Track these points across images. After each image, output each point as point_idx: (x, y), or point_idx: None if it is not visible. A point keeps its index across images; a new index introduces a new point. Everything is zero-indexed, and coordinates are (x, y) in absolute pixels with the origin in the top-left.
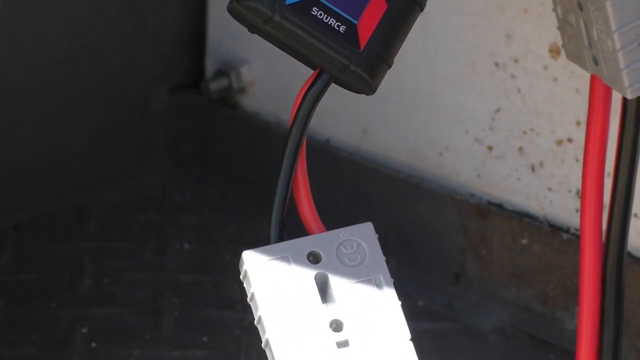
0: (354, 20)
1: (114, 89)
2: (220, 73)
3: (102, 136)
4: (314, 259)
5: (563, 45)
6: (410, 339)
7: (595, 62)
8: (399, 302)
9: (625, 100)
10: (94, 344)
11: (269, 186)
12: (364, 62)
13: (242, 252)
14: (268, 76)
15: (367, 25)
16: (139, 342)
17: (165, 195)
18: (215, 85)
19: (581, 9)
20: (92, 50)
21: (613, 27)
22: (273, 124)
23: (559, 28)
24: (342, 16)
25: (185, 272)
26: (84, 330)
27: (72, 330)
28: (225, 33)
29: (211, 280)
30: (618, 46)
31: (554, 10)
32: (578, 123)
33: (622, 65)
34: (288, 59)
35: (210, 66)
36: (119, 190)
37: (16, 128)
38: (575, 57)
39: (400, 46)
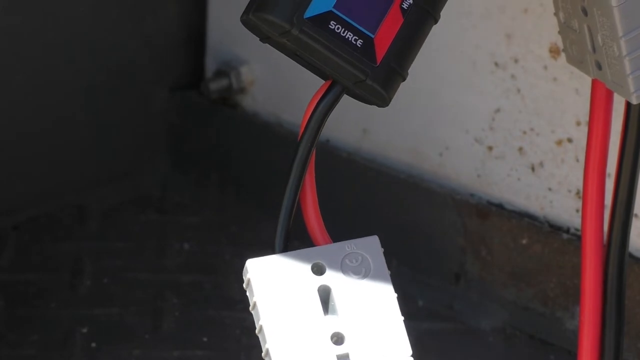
0: (370, 35)
1: (114, 89)
2: (220, 73)
3: (102, 136)
4: (318, 270)
5: (564, 50)
6: (411, 355)
7: (599, 67)
8: (402, 317)
9: (628, 105)
10: (94, 344)
11: (268, 186)
12: (380, 77)
13: (242, 252)
14: (268, 76)
15: (384, 39)
16: (139, 342)
17: (165, 195)
18: (215, 85)
19: (586, 14)
20: (92, 50)
21: (620, 33)
22: (273, 124)
23: (560, 32)
24: (360, 30)
25: (185, 272)
26: (84, 330)
27: (72, 330)
28: (225, 33)
29: (211, 280)
30: (624, 52)
31: (556, 14)
32: (578, 123)
33: (628, 71)
34: (288, 59)
35: (210, 66)
36: (119, 190)
37: (16, 128)
38: (577, 62)
39: (414, 58)
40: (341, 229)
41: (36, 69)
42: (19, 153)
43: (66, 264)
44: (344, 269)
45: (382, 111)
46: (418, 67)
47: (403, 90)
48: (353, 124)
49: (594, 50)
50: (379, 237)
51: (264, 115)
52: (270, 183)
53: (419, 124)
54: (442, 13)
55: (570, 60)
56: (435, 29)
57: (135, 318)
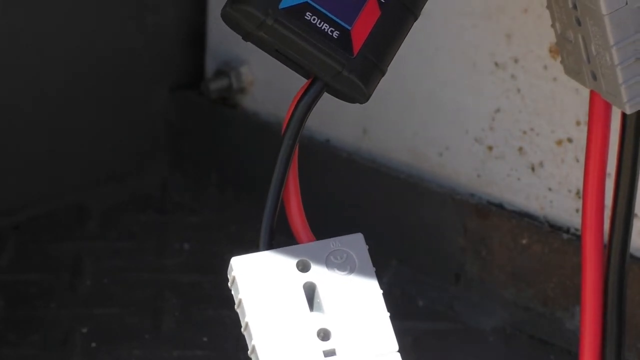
0: (347, 26)
1: (114, 89)
2: (220, 73)
3: (102, 136)
4: (303, 267)
5: (562, 61)
6: (398, 351)
7: (594, 77)
8: (388, 313)
9: (624, 115)
10: (94, 344)
11: (268, 186)
12: (357, 68)
13: (242, 252)
14: (268, 76)
15: (361, 31)
16: (139, 342)
17: (165, 195)
18: (215, 85)
19: (579, 24)
20: (92, 50)
21: (611, 42)
22: (273, 124)
23: (557, 44)
24: (336, 22)
25: (185, 272)
26: (84, 330)
27: (72, 330)
28: (225, 33)
29: (211, 280)
30: (616, 61)
31: (553, 26)
32: (578, 123)
33: (620, 80)
34: None
35: (210, 66)
36: (119, 190)
37: (16, 128)
38: (574, 73)
39: (393, 54)
40: (340, 228)
41: (35, 68)
42: (19, 153)
43: (66, 264)
44: (329, 266)
45: (382, 111)
46: (418, 67)
47: (403, 90)
48: (353, 124)
49: (588, 60)
50: (379, 236)
51: (264, 115)
52: (270, 183)
53: (418, 124)
54: (441, 13)
55: (568, 71)
56: (435, 29)
57: (135, 318)
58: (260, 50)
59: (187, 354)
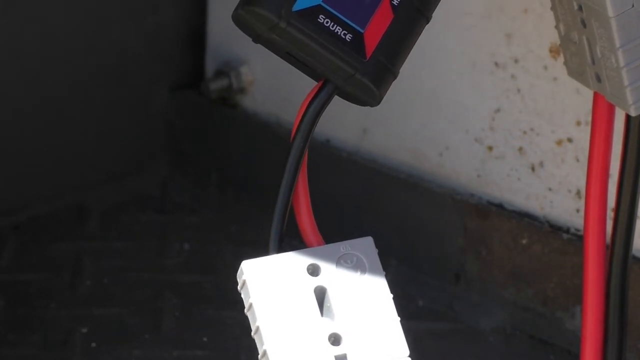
0: (360, 29)
1: (114, 89)
2: (220, 73)
3: (102, 136)
4: (313, 271)
5: (565, 63)
6: (409, 356)
7: (598, 79)
8: (398, 318)
9: (628, 117)
10: (94, 344)
11: (268, 186)
12: (370, 72)
13: (242, 252)
14: (268, 76)
15: (374, 34)
16: (139, 342)
17: (165, 195)
18: (215, 85)
19: (585, 26)
20: (92, 50)
21: (617, 44)
22: (273, 124)
23: (561, 45)
24: (349, 24)
25: (185, 272)
26: (84, 330)
27: (72, 330)
28: (225, 33)
29: (211, 280)
30: (622, 63)
31: (556, 27)
32: (578, 123)
33: (625, 82)
34: None
35: (210, 66)
36: (119, 190)
37: (16, 128)
38: (578, 74)
39: (406, 57)
40: (341, 228)
41: (36, 69)
42: (19, 153)
43: (66, 264)
44: (339, 269)
45: (382, 111)
46: (418, 67)
47: (403, 90)
48: (353, 124)
49: (593, 62)
50: (379, 236)
51: (264, 115)
52: (270, 183)
53: (419, 124)
54: (442, 13)
55: (571, 72)
56: (435, 29)
57: (135, 318)
58: (261, 50)
59: (187, 354)
